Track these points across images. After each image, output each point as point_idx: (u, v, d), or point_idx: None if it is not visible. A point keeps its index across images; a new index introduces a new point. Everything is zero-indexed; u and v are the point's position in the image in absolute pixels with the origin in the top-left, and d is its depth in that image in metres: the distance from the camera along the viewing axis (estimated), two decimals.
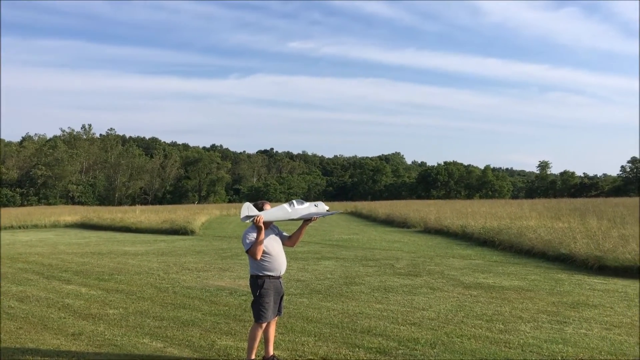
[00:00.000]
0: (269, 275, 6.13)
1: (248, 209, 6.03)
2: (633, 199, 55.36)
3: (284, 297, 6.44)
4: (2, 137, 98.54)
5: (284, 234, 6.45)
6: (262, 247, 6.00)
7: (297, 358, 6.54)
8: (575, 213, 28.26)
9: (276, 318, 6.40)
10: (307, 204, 6.34)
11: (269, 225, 6.24)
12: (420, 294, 10.81)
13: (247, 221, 6.02)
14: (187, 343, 7.28)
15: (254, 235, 5.99)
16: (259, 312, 6.11)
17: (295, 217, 6.25)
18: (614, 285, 11.92)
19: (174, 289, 11.33)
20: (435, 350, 6.90)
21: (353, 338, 7.49)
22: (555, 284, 12.10)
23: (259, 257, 6.01)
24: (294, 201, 6.33)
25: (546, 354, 6.78)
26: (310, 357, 6.58)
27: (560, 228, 20.58)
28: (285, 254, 6.34)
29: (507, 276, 13.13)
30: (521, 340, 7.38)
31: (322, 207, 6.38)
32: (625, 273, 13.38)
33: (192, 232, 28.28)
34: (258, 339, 6.20)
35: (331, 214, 6.58)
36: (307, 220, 6.33)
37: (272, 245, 6.17)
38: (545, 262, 15.86)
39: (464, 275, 13.25)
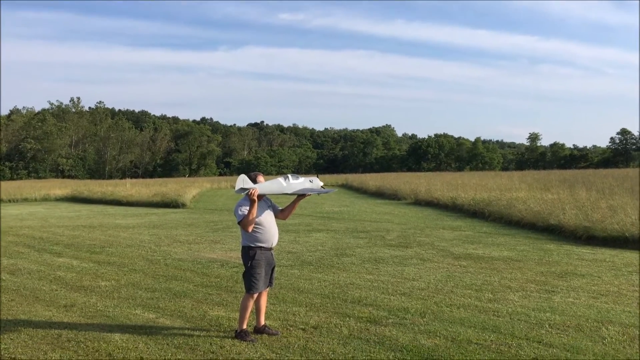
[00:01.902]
0: (261, 247, 6.16)
1: (243, 181, 6.03)
2: (622, 170, 55.73)
3: (275, 269, 6.48)
4: None
5: (277, 206, 6.46)
6: (254, 220, 6.02)
7: (289, 327, 6.61)
8: (564, 184, 28.44)
9: (267, 289, 6.45)
10: (302, 179, 6.35)
11: (262, 197, 6.25)
12: (411, 264, 10.90)
13: (242, 193, 6.02)
14: (179, 314, 7.33)
15: (247, 207, 5.99)
16: (250, 283, 6.15)
17: (289, 192, 6.26)
18: (601, 255, 12.06)
19: (165, 261, 11.36)
20: (424, 319, 6.98)
21: (344, 308, 7.57)
22: (543, 254, 12.23)
23: (250, 230, 6.03)
24: (289, 175, 6.33)
25: (534, 321, 6.88)
26: (301, 326, 6.64)
27: (549, 199, 20.73)
28: (277, 226, 6.36)
29: (496, 247, 13.25)
30: (510, 309, 7.48)
31: (317, 183, 6.39)
32: (613, 243, 13.55)
33: (183, 205, 28.27)
34: (249, 310, 6.25)
35: (326, 192, 6.59)
36: (300, 195, 6.34)
37: (264, 217, 6.18)
38: (535, 233, 16.01)
39: (453, 246, 13.36)
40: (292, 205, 6.45)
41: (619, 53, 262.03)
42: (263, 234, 6.16)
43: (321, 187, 6.41)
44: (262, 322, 6.44)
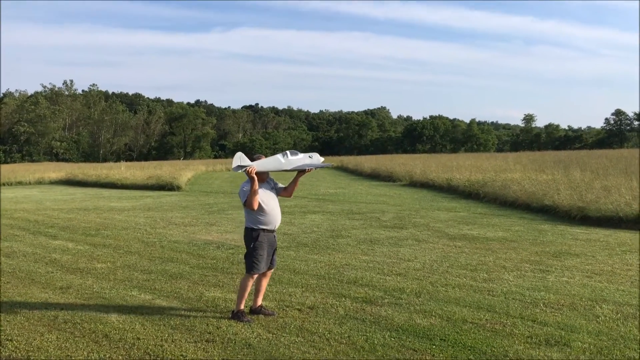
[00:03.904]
0: (264, 229, 6.20)
1: (240, 159, 6.01)
2: (616, 150, 55.86)
3: (277, 250, 6.50)
4: None
5: (280, 185, 6.47)
6: (257, 197, 6.03)
7: (285, 308, 6.63)
8: (559, 165, 28.52)
9: (270, 271, 6.48)
10: (301, 155, 6.35)
11: (265, 178, 6.25)
12: (406, 245, 10.94)
13: (240, 171, 6.00)
14: (175, 295, 7.34)
15: (249, 186, 6.00)
16: (252, 264, 6.17)
17: (288, 168, 6.26)
18: (595, 235, 12.13)
19: (161, 243, 11.36)
20: (420, 299, 7.02)
21: (339, 288, 7.60)
22: (538, 234, 12.29)
23: (255, 207, 6.04)
24: (288, 152, 6.33)
25: (528, 300, 6.93)
26: (297, 307, 6.67)
27: (544, 180, 20.79)
28: (280, 207, 6.36)
29: (491, 227, 13.30)
30: (504, 289, 7.53)
31: (316, 158, 6.40)
32: (607, 223, 13.62)
33: (178, 188, 28.22)
34: (248, 290, 6.27)
35: (324, 167, 6.59)
36: (301, 171, 6.35)
37: (268, 199, 6.20)
38: (529, 214, 16.07)
39: (449, 227, 13.40)
40: (294, 182, 6.45)
41: (614, 34, 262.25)
42: (266, 216, 6.18)
43: (321, 162, 6.42)
44: (259, 302, 6.46)
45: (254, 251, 6.18)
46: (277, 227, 6.35)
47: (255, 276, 6.26)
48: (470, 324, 6.05)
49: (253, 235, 6.19)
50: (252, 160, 6.08)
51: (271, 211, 6.22)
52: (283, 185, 6.48)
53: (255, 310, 6.40)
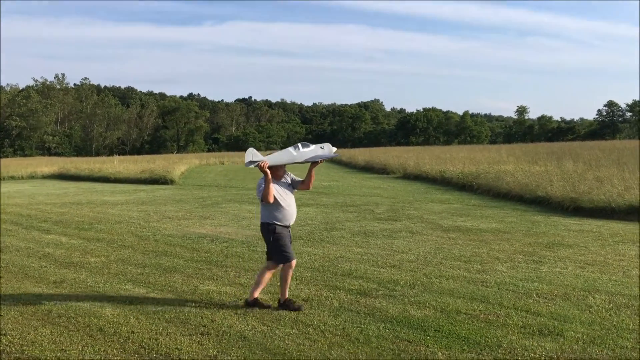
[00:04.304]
0: (279, 224, 6.29)
1: (252, 154, 6.04)
2: (609, 142, 56.11)
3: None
4: None
5: (297, 179, 6.53)
6: (272, 190, 6.08)
7: (279, 300, 6.63)
8: (552, 157, 28.61)
9: (279, 266, 6.49)
10: (313, 147, 6.39)
11: (281, 175, 6.31)
12: (400, 237, 10.96)
13: (252, 166, 6.00)
14: (169, 288, 7.34)
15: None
16: (282, 254, 6.29)
17: (300, 160, 6.29)
18: (588, 226, 12.19)
19: (155, 237, 11.34)
20: (414, 291, 7.04)
21: (334, 281, 7.61)
22: (531, 225, 12.34)
23: (271, 200, 6.10)
24: (299, 144, 6.35)
25: (522, 291, 6.96)
26: (292, 300, 6.67)
27: (537, 172, 20.86)
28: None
29: (484, 219, 13.34)
30: (498, 280, 7.56)
31: (328, 149, 6.49)
32: (600, 214, 13.69)
33: (172, 182, 28.14)
34: (289, 279, 6.44)
35: (333, 157, 6.61)
36: (314, 162, 6.39)
37: (285, 196, 6.28)
38: (522, 205, 16.13)
39: (442, 219, 13.43)
40: (309, 174, 6.48)
41: (606, 25, 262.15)
42: (282, 212, 6.27)
43: (334, 152, 6.50)
44: (256, 295, 6.47)
45: (276, 243, 6.26)
46: (292, 224, 6.44)
47: (294, 262, 6.39)
48: (464, 314, 6.07)
49: (270, 229, 6.27)
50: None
51: (287, 207, 6.29)
52: (300, 179, 6.53)
53: (250, 303, 6.41)
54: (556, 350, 5.07)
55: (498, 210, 14.99)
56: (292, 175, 6.51)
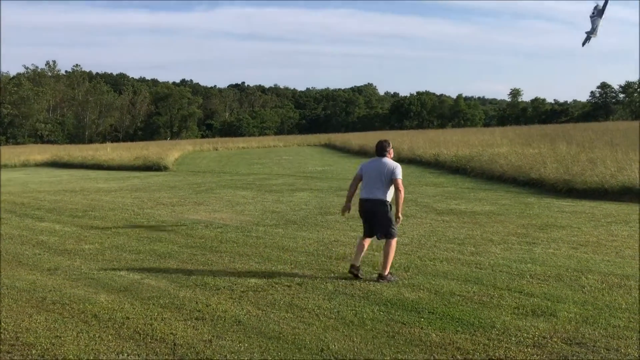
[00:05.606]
0: None
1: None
2: (602, 123, 56.23)
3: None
4: None
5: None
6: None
7: (274, 285, 6.65)
8: (545, 139, 28.66)
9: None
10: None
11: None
12: None
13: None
14: (164, 274, 7.33)
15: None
16: (396, 229, 7.16)
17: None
18: (581, 207, 12.24)
19: (149, 224, 11.33)
20: (408, 273, 7.07)
21: (328, 264, 7.63)
22: (525, 207, 12.38)
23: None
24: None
25: (515, 272, 7.00)
26: (286, 283, 6.70)
27: (530, 154, 20.90)
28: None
29: (478, 202, 13.38)
30: (491, 261, 7.59)
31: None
32: (593, 195, 13.75)
33: (166, 168, 28.09)
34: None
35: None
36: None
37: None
38: (516, 187, 16.19)
39: (436, 202, 13.46)
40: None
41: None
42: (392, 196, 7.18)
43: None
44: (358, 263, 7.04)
45: (392, 219, 7.05)
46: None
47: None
48: (458, 296, 6.10)
49: (390, 207, 7.10)
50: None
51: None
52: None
53: (384, 277, 6.82)
54: (549, 330, 5.11)
55: (492, 193, 15.03)
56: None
